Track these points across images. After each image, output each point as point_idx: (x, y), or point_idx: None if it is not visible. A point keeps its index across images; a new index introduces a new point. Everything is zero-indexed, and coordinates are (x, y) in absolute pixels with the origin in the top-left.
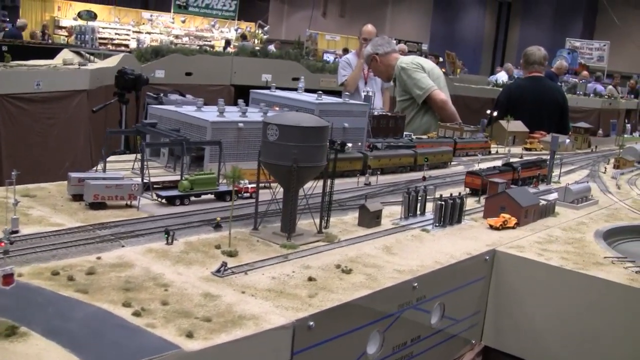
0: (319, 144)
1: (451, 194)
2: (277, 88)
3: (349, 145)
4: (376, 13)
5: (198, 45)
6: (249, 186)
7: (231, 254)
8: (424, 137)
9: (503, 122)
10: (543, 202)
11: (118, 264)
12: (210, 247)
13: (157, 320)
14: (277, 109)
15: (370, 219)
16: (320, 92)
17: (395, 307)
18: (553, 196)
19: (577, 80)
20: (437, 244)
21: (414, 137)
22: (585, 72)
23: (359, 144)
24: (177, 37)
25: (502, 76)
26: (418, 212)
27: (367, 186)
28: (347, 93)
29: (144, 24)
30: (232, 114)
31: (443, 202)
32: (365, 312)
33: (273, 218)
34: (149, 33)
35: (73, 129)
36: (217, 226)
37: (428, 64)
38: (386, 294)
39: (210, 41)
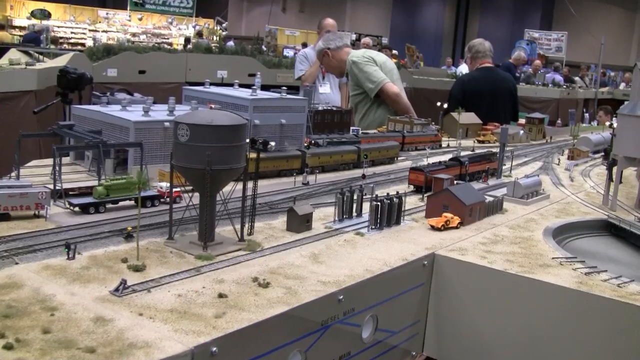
0: (236, 144)
1: (388, 194)
2: (232, 84)
3: (272, 144)
4: (336, 7)
5: (156, 43)
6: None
7: (137, 269)
8: (372, 131)
9: (455, 114)
10: (489, 199)
11: (4, 285)
12: (117, 261)
13: (31, 353)
14: (213, 106)
15: (299, 223)
16: (254, 86)
17: (319, 323)
18: (501, 192)
19: (531, 70)
20: (371, 249)
21: (360, 131)
22: (537, 62)
23: (298, 141)
24: (134, 35)
25: (462, 68)
26: (354, 214)
27: (305, 186)
28: (308, 86)
29: (100, 22)
30: (159, 113)
31: (378, 203)
32: (282, 331)
33: (193, 225)
34: (106, 31)
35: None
36: (128, 236)
37: (380, 56)
38: (306, 309)
39: (168, 39)
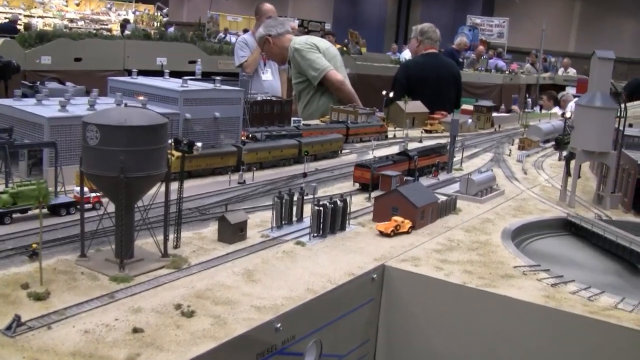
0: (155, 147)
1: (331, 198)
2: (175, 73)
3: (199, 144)
4: None
5: (94, 29)
6: (91, 195)
7: (39, 297)
8: (314, 122)
9: (401, 103)
10: (442, 199)
11: None
12: (16, 287)
13: None
14: (141, 97)
15: (232, 233)
16: (185, 77)
17: (253, 357)
18: (453, 188)
19: (474, 56)
20: (313, 262)
21: (302, 123)
22: (481, 47)
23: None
24: (71, 21)
25: (406, 54)
26: (294, 219)
27: (241, 185)
28: (244, 75)
29: (35, 7)
30: (79, 107)
31: (321, 208)
32: None
33: (111, 238)
34: (42, 17)
35: None
36: (33, 254)
37: (323, 43)
38: (237, 344)
39: (107, 25)
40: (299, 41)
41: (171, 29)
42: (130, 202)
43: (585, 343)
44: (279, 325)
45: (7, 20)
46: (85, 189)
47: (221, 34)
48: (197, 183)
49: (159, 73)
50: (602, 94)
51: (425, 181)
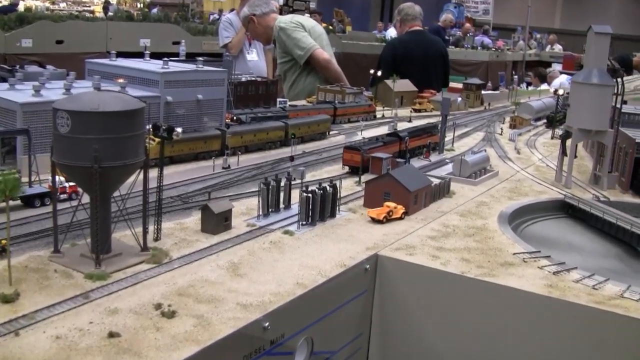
0: (132, 134)
1: (320, 184)
2: (159, 54)
3: (179, 130)
4: None
5: (76, 11)
6: (67, 185)
7: (7, 299)
8: (300, 103)
9: (389, 82)
10: (435, 182)
11: None
12: None
13: None
14: (121, 80)
15: (216, 223)
16: (165, 59)
17: (240, 359)
18: (445, 170)
19: (460, 33)
20: (302, 253)
21: (288, 104)
22: (467, 25)
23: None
24: (53, 3)
25: (391, 32)
26: (282, 206)
27: (226, 170)
28: (228, 56)
29: None
30: (54, 91)
31: (310, 195)
32: None
33: (87, 231)
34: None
35: None
36: (2, 251)
37: (308, 22)
38: (222, 347)
39: (89, 7)
40: (284, 20)
41: (155, 10)
42: (106, 193)
43: (592, 334)
44: (267, 324)
45: (8, 3)
46: (61, 178)
47: (215, 15)
48: (179, 169)
49: (142, 55)
50: (599, 71)
51: (416, 163)
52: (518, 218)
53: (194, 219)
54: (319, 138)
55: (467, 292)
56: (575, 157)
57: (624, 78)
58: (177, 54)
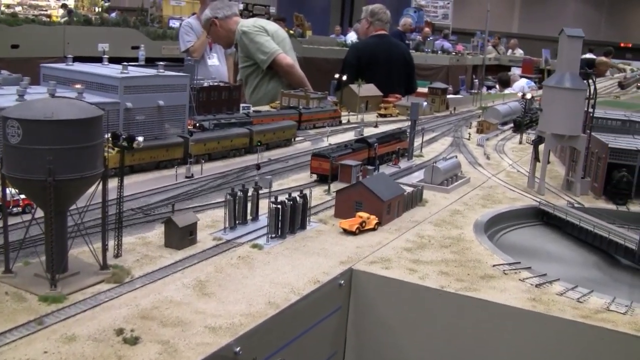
0: (89, 144)
1: (290, 194)
2: (117, 59)
3: (140, 139)
4: None
5: (33, 15)
6: (21, 197)
7: None
8: (265, 108)
9: (354, 87)
10: (408, 190)
11: None
12: None
13: None
14: (78, 86)
15: (180, 237)
16: (125, 63)
17: None
18: (416, 177)
19: (420, 37)
20: (273, 269)
21: (252, 109)
22: (427, 29)
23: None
24: (8, 6)
25: (351, 36)
26: (249, 217)
27: (189, 180)
28: (190, 60)
29: None
30: (6, 98)
31: (279, 206)
32: None
33: (41, 248)
34: None
35: None
36: None
37: (271, 26)
38: None
39: (46, 10)
40: (247, 24)
41: (114, 15)
42: (62, 207)
43: (579, 351)
44: (238, 348)
45: None
46: (13, 190)
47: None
48: (140, 179)
49: (101, 60)
50: (571, 74)
51: (385, 170)
52: (493, 226)
53: (157, 232)
54: (285, 145)
55: (448, 308)
56: (549, 162)
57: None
58: (136, 59)
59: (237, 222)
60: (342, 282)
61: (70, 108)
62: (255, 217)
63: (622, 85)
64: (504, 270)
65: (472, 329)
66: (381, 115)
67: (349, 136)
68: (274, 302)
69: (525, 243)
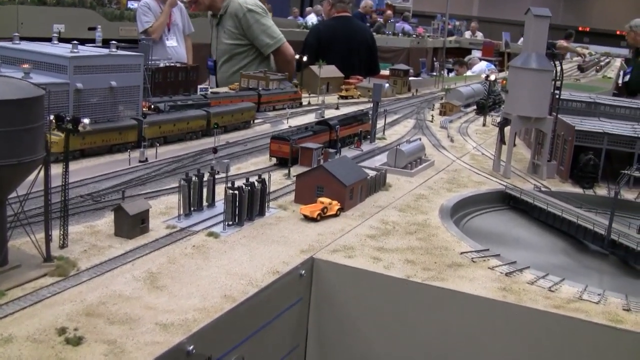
0: (28, 126)
1: (247, 179)
2: (75, 40)
3: (86, 121)
4: None
5: None
6: None
7: None
8: (223, 90)
9: (314, 68)
10: (371, 174)
11: None
12: None
13: None
14: (26, 66)
15: (131, 226)
16: (75, 42)
17: None
18: (379, 160)
19: (382, 20)
20: (229, 259)
21: (210, 91)
22: (389, 12)
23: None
24: None
25: (311, 18)
26: (205, 204)
27: (143, 164)
28: (145, 39)
29: None
30: None
31: (236, 192)
32: None
33: None
34: None
35: None
36: None
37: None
38: None
39: None
40: (250, 2)
41: None
42: (0, 196)
43: (553, 342)
44: (191, 347)
45: None
46: None
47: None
48: (91, 163)
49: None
50: (537, 55)
51: (347, 153)
52: (459, 211)
53: (107, 220)
54: (243, 127)
55: (415, 299)
56: (514, 145)
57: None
58: (93, 40)
59: (192, 209)
60: (303, 272)
61: (6, 87)
62: (212, 204)
63: (581, 69)
64: (472, 258)
65: (441, 321)
66: (342, 97)
67: (310, 118)
68: (230, 295)
69: (492, 228)
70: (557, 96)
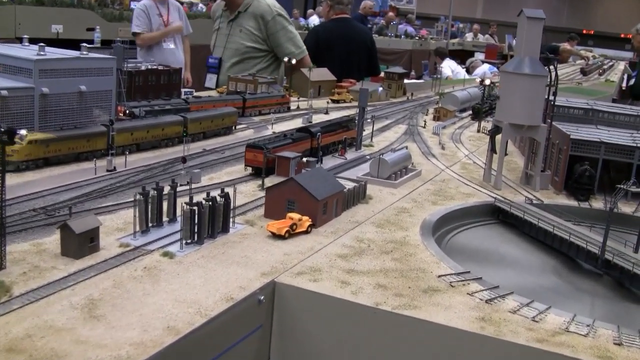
0: None
1: (208, 193)
2: (72, 41)
3: (23, 133)
4: None
5: None
6: None
7: None
8: (205, 95)
9: (305, 70)
10: (349, 186)
11: None
12: None
13: None
14: None
15: (78, 245)
16: (42, 44)
17: None
18: (364, 170)
19: (384, 22)
20: (181, 283)
21: (194, 95)
22: (390, 14)
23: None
24: None
25: (313, 20)
26: (165, 219)
27: (110, 173)
28: (119, 41)
29: None
30: None
31: (194, 208)
32: None
33: None
34: None
35: None
36: None
37: None
38: None
39: None
40: (278, 6)
41: None
42: None
43: None
44: None
45: None
46: None
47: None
48: (55, 173)
49: (53, 42)
50: (531, 60)
51: (330, 161)
52: (444, 226)
53: (57, 238)
54: (224, 133)
55: (383, 329)
56: (506, 154)
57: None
58: (91, 41)
59: (151, 224)
60: (262, 297)
61: None
62: (173, 219)
63: (584, 72)
64: (450, 282)
65: (411, 354)
66: (334, 101)
67: (297, 123)
68: (174, 326)
69: (479, 245)
70: (552, 102)
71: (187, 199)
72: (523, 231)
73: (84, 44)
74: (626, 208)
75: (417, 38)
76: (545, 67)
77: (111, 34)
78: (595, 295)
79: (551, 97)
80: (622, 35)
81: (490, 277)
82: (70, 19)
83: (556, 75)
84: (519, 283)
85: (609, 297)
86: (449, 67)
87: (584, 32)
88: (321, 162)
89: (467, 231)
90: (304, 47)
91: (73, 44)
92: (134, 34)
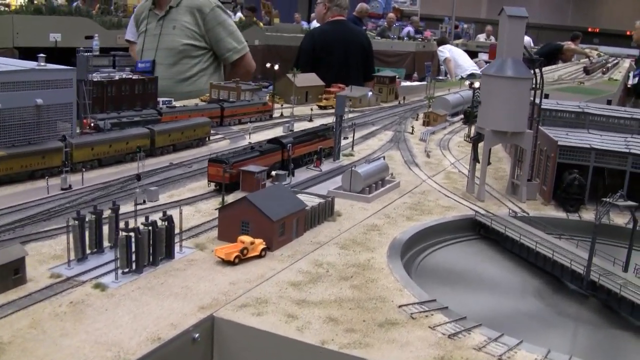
0: None
1: (147, 218)
2: (70, 49)
3: None
4: None
5: None
6: None
7: None
8: (180, 104)
9: (290, 76)
10: (313, 202)
11: None
12: None
13: None
14: None
15: (0, 277)
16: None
17: None
18: (336, 185)
19: (386, 24)
20: (107, 320)
21: (173, 103)
22: (391, 15)
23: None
24: None
25: (316, 24)
26: (107, 245)
27: (64, 192)
28: (84, 49)
29: None
30: None
31: (131, 234)
32: None
33: None
34: None
35: None
36: None
37: None
38: None
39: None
40: (218, 1)
41: (75, 3)
42: None
43: None
44: None
45: None
46: None
47: None
48: (5, 192)
49: (52, 50)
50: (514, 61)
51: (303, 174)
52: (417, 244)
53: None
54: (197, 145)
55: None
56: (489, 163)
57: (549, 67)
58: (90, 49)
59: (91, 251)
60: (197, 335)
61: None
62: (115, 245)
63: (587, 71)
64: (411, 314)
65: None
66: (321, 107)
67: (278, 132)
68: None
69: (454, 265)
70: (539, 106)
71: (144, 220)
72: (505, 247)
73: (41, 55)
74: (619, 219)
75: (419, 39)
76: (530, 70)
77: (110, 42)
78: (579, 320)
79: (537, 101)
80: (628, 33)
81: (461, 304)
82: (69, 27)
83: (541, 77)
84: (494, 309)
85: (594, 323)
86: (448, 51)
87: (590, 30)
88: (292, 175)
89: (443, 249)
90: (246, 43)
91: (72, 53)
92: (127, 41)
